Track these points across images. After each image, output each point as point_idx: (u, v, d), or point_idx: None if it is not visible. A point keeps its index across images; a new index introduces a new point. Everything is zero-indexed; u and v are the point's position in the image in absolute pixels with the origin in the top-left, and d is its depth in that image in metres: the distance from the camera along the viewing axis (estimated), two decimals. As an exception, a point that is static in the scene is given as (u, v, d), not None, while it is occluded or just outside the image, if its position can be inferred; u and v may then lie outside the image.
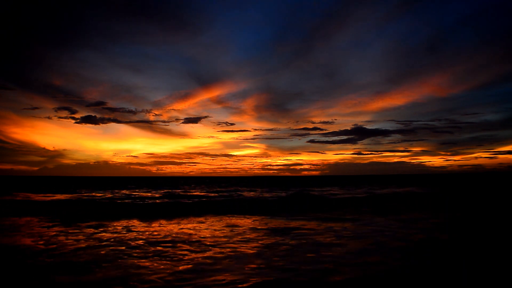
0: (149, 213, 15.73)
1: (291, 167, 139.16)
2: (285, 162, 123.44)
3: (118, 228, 11.11)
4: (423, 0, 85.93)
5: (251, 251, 7.43)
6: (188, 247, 8.02)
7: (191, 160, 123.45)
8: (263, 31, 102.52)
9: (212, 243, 8.38)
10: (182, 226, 11.63)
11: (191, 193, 30.66)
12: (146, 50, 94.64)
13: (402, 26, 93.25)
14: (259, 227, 11.06)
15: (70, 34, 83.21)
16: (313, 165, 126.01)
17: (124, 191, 34.15)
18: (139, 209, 17.89)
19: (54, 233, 9.99)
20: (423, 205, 18.48)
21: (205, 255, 7.11)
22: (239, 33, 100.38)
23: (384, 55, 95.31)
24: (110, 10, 78.58)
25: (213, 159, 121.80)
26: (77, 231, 10.36)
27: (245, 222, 12.45)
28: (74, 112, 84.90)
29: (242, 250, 7.61)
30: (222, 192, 31.99)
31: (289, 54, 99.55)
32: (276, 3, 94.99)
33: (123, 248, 7.92)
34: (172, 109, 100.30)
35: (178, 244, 8.33)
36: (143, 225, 11.84)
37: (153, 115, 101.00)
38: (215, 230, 10.64)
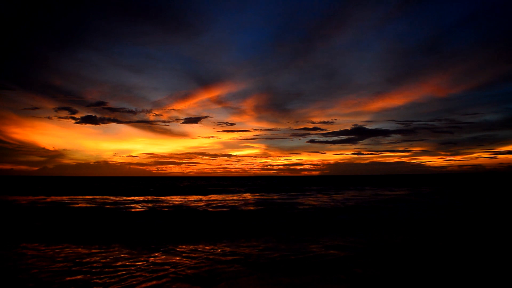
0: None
1: (291, 167, 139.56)
2: (285, 162, 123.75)
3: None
4: (423, 1, 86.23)
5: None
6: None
7: (191, 160, 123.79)
8: (263, 32, 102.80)
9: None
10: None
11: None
12: (147, 50, 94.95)
13: (402, 26, 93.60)
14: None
15: (70, 35, 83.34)
16: (313, 165, 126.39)
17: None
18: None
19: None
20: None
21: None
22: (239, 34, 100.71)
23: (384, 55, 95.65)
24: (111, 11, 78.61)
25: (213, 159, 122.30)
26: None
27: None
28: (74, 112, 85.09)
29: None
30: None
31: (288, 54, 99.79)
32: (275, 4, 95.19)
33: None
34: (172, 109, 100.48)
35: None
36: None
37: (153, 115, 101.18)
38: None
